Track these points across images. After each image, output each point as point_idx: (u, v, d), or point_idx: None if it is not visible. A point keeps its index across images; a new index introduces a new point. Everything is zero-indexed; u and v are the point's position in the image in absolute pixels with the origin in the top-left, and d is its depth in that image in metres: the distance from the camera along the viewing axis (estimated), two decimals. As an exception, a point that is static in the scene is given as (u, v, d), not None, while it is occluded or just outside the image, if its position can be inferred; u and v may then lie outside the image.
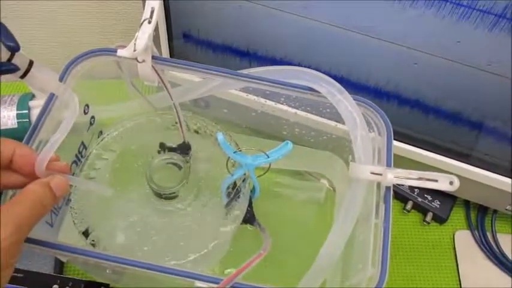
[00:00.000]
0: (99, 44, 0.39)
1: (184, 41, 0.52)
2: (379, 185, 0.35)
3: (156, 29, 0.49)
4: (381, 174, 0.34)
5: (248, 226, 0.42)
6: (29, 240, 0.31)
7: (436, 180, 0.33)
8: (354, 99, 0.37)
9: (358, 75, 0.47)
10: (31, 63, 0.33)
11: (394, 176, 0.33)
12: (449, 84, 0.43)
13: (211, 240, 0.39)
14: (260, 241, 0.40)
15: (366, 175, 0.34)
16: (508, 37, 0.37)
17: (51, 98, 0.36)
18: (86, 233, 0.39)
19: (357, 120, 0.36)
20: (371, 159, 0.35)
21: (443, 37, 0.40)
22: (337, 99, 0.37)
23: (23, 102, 0.53)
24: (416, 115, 0.48)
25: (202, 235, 0.40)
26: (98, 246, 0.38)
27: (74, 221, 0.39)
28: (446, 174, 0.33)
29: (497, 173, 0.48)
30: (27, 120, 0.53)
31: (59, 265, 0.50)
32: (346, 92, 0.37)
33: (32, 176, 0.31)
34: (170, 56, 0.53)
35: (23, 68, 0.33)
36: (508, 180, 0.47)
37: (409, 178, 0.33)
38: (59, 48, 0.68)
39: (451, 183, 0.33)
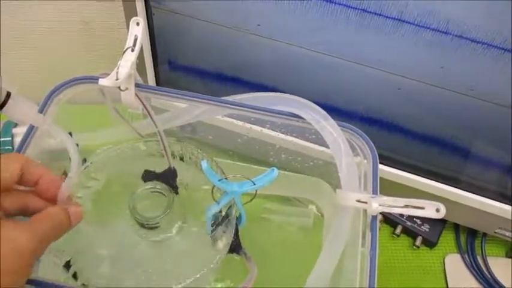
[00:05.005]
0: (84, 71, 0.39)
1: (170, 68, 0.52)
2: (365, 211, 0.35)
3: (142, 56, 0.49)
4: (366, 203, 0.33)
5: (234, 255, 0.41)
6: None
7: (423, 208, 0.33)
8: (339, 125, 0.36)
9: (343, 101, 0.47)
10: (8, 94, 0.32)
11: (379, 204, 0.33)
12: (433, 109, 0.44)
13: (196, 271, 0.38)
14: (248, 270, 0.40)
15: (352, 203, 0.34)
16: (489, 63, 0.38)
17: (31, 128, 0.36)
18: (67, 265, 0.37)
19: (341, 146, 0.35)
20: (357, 186, 0.35)
21: (427, 63, 0.40)
22: (321, 125, 0.36)
23: (7, 129, 0.53)
24: (403, 140, 0.47)
25: (187, 265, 0.39)
26: (80, 277, 0.37)
27: (55, 254, 0.38)
28: (432, 201, 0.33)
29: (486, 197, 0.47)
30: (11, 147, 0.52)
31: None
32: (331, 118, 0.36)
33: (51, 202, 0.33)
34: (156, 83, 0.53)
35: (0, 100, 0.32)
36: (496, 203, 0.47)
37: (394, 206, 0.33)
38: (43, 74, 0.68)
39: (437, 210, 0.32)
